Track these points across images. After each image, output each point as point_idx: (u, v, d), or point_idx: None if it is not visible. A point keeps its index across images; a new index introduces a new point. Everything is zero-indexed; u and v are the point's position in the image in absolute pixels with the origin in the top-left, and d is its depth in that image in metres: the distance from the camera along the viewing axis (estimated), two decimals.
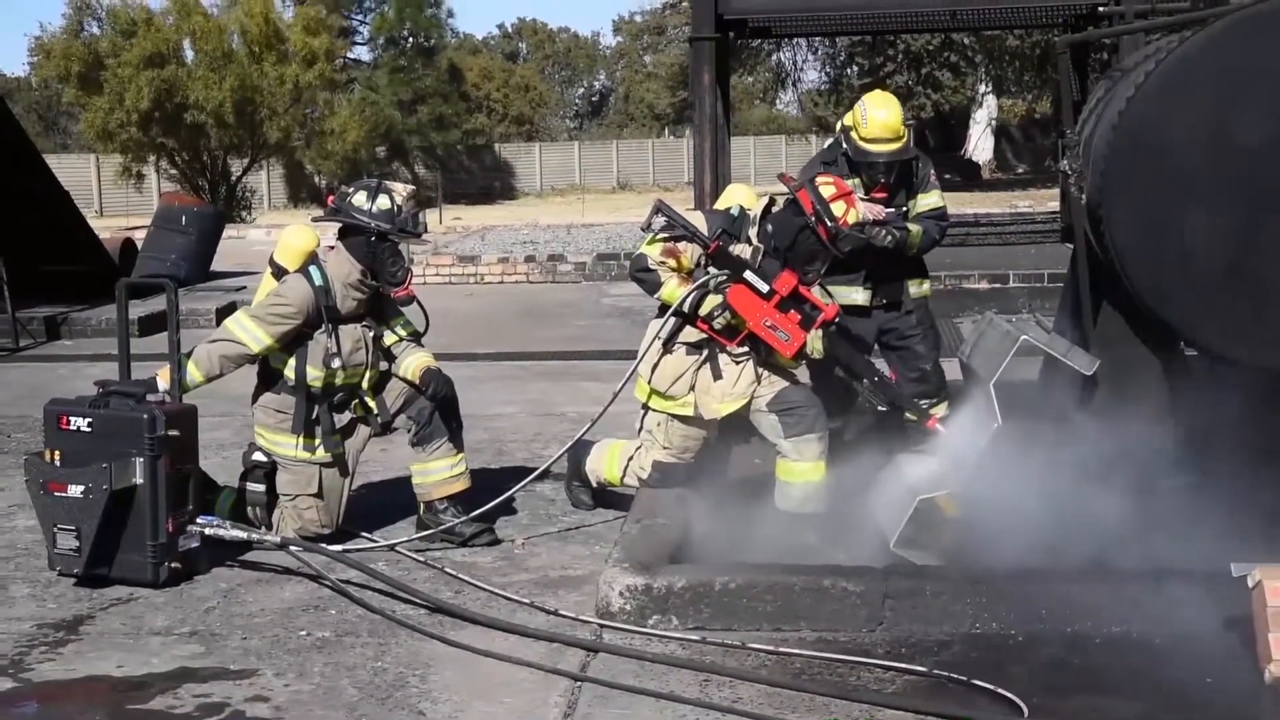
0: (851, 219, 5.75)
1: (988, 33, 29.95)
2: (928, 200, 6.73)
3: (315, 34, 30.76)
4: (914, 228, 6.62)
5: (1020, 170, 44.03)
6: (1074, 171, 5.31)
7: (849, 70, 36.36)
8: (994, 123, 41.05)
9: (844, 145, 6.61)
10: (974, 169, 39.60)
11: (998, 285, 13.28)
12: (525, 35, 64.48)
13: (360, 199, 5.77)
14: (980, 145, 39.60)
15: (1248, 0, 4.95)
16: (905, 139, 6.55)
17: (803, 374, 6.16)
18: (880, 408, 5.88)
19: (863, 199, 6.52)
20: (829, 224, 5.71)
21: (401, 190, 5.85)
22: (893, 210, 6.55)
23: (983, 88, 37.57)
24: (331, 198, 5.94)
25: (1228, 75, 4.70)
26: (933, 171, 6.82)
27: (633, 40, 61.04)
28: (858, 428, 6.64)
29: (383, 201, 5.75)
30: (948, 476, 5.42)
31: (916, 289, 6.83)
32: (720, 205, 6.18)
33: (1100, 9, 12.72)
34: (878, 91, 6.93)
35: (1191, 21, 5.11)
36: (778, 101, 46.78)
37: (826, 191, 5.75)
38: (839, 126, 6.75)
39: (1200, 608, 4.60)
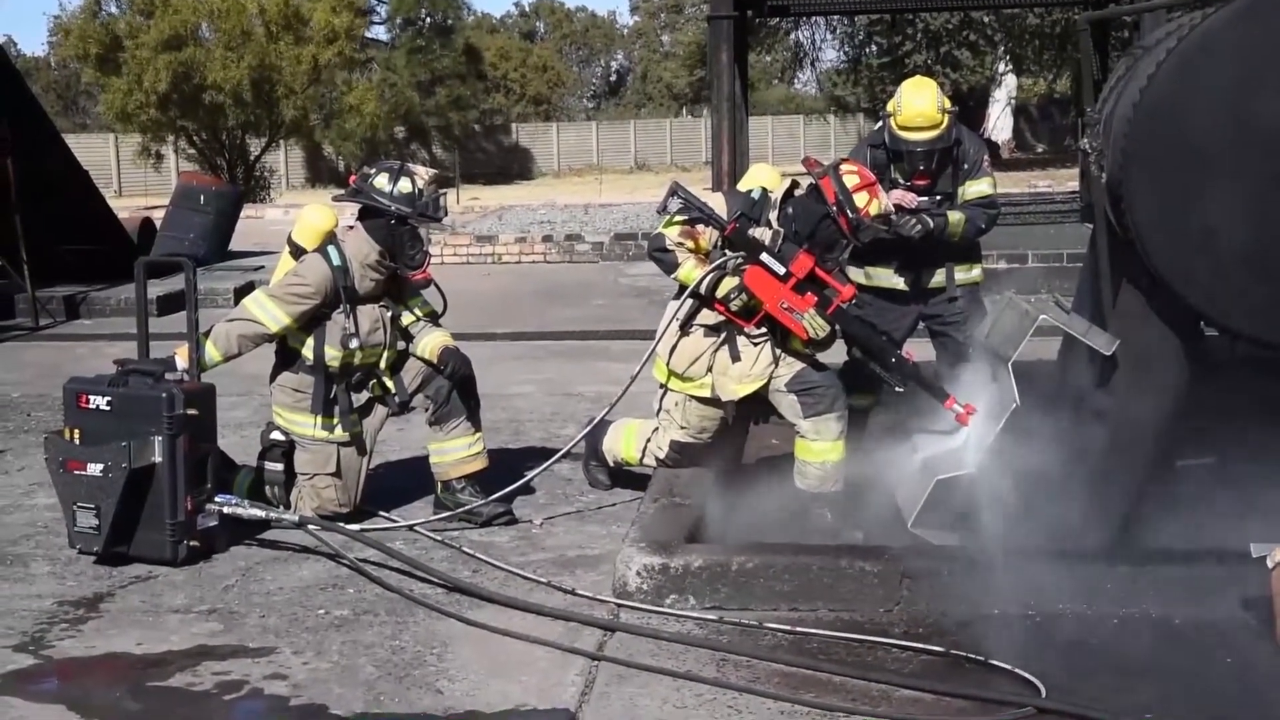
0: (874, 210, 5.69)
1: (1007, 11, 29.77)
2: (977, 187, 6.58)
3: (338, 13, 30.74)
4: (955, 215, 6.48)
5: (1039, 149, 43.80)
6: (1094, 150, 5.28)
7: (867, 49, 36.17)
8: (1013, 102, 40.81)
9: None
10: (993, 148, 39.26)
11: (1016, 265, 13.23)
12: (543, 14, 64.33)
13: (382, 181, 5.76)
14: (999, 124, 39.35)
15: None
16: (943, 127, 6.42)
17: (839, 353, 6.12)
18: (897, 388, 5.85)
19: (902, 185, 6.48)
20: (850, 215, 5.66)
21: (424, 174, 5.84)
22: (926, 199, 6.47)
23: (1002, 66, 37.32)
24: (353, 178, 5.93)
25: (1250, 52, 4.65)
26: (986, 158, 6.65)
27: (650, 19, 60.90)
28: (883, 407, 6.61)
29: (404, 185, 5.74)
30: (966, 456, 5.41)
31: (964, 274, 6.68)
32: (743, 186, 6.14)
33: None
34: (918, 78, 6.75)
35: None
36: (796, 81, 46.58)
37: (850, 181, 5.69)
38: (884, 110, 6.65)
39: (1220, 588, 4.58)
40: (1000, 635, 4.51)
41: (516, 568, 5.25)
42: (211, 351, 5.64)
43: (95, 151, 36.38)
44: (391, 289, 5.88)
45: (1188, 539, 4.93)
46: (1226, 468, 5.25)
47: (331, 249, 5.75)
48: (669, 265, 5.86)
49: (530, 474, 5.96)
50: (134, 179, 38.07)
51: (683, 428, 6.00)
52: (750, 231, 5.75)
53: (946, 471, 5.36)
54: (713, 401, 5.93)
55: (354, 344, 5.71)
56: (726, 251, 5.76)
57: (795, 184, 5.92)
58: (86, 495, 5.27)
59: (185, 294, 5.74)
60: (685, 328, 5.87)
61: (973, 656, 4.33)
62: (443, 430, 5.94)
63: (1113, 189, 5.00)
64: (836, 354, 6.21)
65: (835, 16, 31.70)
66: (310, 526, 5.55)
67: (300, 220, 5.94)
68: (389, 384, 5.92)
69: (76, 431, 5.38)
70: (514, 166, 46.61)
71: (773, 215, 5.84)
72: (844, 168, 5.77)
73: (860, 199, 5.67)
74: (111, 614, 4.91)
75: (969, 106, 40.46)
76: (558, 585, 5.06)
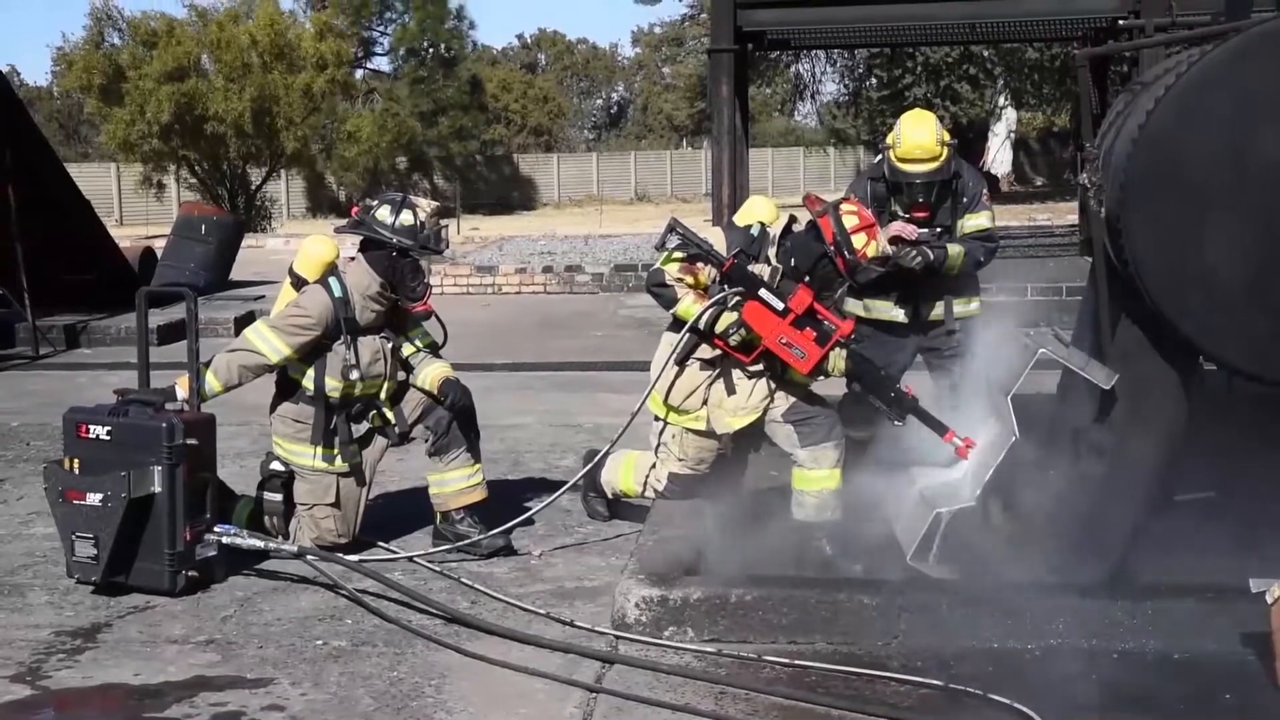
0: (871, 252, 5.72)
1: (1007, 45, 29.90)
2: (975, 221, 6.62)
3: (323, 38, 30.87)
4: (954, 249, 6.52)
5: (1039, 183, 43.90)
6: (1093, 185, 5.29)
7: (868, 82, 36.32)
8: (1013, 135, 40.92)
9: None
10: (992, 182, 39.37)
11: (1015, 298, 13.23)
12: (544, 46, 64.60)
13: (384, 213, 5.78)
14: (999, 158, 39.46)
15: (1269, 14, 4.94)
16: (943, 159, 6.46)
17: (837, 386, 6.13)
18: (896, 421, 5.85)
19: (901, 217, 6.51)
20: (848, 256, 5.69)
21: (426, 206, 5.86)
22: (926, 231, 6.50)
23: (1001, 100, 37.47)
24: (355, 209, 5.95)
25: (1248, 89, 4.68)
26: (985, 191, 6.69)
27: (651, 51, 61.13)
28: (882, 440, 6.61)
29: (406, 217, 5.76)
30: (965, 489, 5.40)
31: (962, 307, 6.72)
32: (741, 220, 6.15)
33: (1120, 22, 12.68)
34: (917, 110, 6.80)
35: (1212, 35, 5.09)
36: (796, 113, 46.75)
37: (849, 222, 5.71)
38: (884, 142, 6.69)
39: (1218, 623, 4.58)
40: (999, 669, 4.50)
41: (515, 599, 5.25)
42: (212, 381, 5.65)
43: (97, 181, 36.49)
44: (392, 320, 5.89)
45: (1186, 574, 4.92)
46: (1225, 502, 5.25)
47: (333, 280, 5.76)
48: (667, 300, 5.88)
49: (533, 508, 5.97)
50: (135, 208, 38.14)
51: (681, 460, 6.01)
52: (749, 268, 5.76)
53: (946, 505, 5.36)
54: (709, 434, 5.93)
55: (354, 375, 5.72)
56: (725, 287, 5.77)
57: (793, 219, 5.94)
58: (85, 525, 5.27)
59: (186, 323, 5.75)
60: (682, 363, 5.88)
61: (971, 690, 4.32)
62: (442, 461, 5.94)
63: (1111, 223, 5.02)
64: (836, 386, 6.22)
65: (836, 50, 31.84)
66: (309, 557, 5.54)
67: (302, 251, 5.96)
68: (389, 415, 5.93)
69: (76, 461, 5.38)
70: (515, 197, 46.72)
71: (771, 251, 5.85)
72: (844, 208, 5.79)
73: (858, 240, 5.69)
74: (109, 644, 4.90)
75: (969, 140, 40.56)
76: (556, 617, 5.05)
